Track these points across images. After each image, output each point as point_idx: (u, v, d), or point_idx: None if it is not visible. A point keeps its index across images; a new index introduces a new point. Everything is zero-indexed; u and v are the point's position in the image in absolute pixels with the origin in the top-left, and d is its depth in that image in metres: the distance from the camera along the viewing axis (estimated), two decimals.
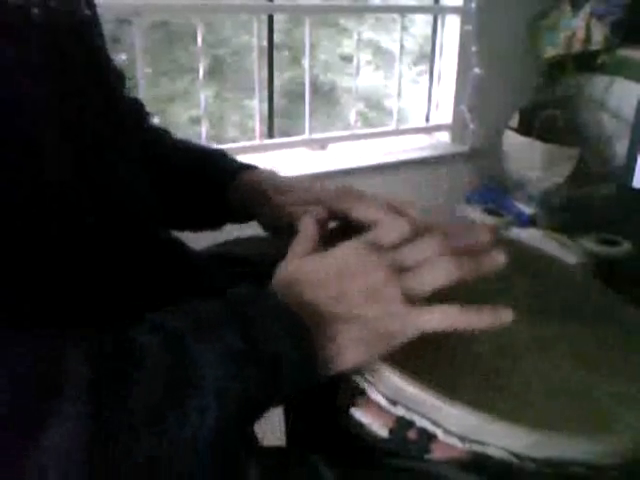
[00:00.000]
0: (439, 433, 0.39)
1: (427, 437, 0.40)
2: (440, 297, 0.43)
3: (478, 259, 0.42)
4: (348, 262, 0.42)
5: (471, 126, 2.08)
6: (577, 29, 2.00)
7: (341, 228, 0.54)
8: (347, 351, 0.39)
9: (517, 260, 0.61)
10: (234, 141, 2.00)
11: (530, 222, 1.98)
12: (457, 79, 2.06)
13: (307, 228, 0.47)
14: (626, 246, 1.79)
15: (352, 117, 1.97)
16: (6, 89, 0.38)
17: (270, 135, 1.88)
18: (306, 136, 1.88)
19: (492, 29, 1.99)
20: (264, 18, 1.76)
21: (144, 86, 1.55)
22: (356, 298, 0.40)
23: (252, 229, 0.73)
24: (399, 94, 2.05)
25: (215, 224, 0.68)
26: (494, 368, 0.42)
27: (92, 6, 0.51)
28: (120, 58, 1.79)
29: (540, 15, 2.09)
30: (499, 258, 0.43)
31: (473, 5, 1.97)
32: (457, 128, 2.13)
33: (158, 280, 0.51)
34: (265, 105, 1.83)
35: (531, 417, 0.38)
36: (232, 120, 2.91)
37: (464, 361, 0.43)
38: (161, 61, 2.68)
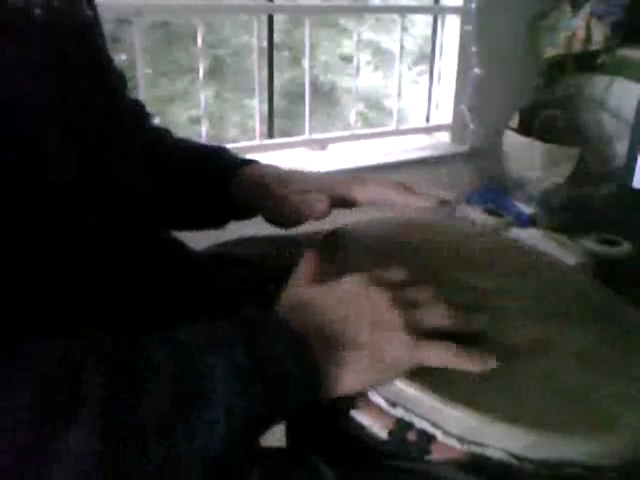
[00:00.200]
0: (438, 434, 0.39)
1: (426, 438, 0.40)
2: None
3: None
4: (353, 291, 0.43)
5: (471, 126, 2.08)
6: (577, 29, 2.00)
7: (331, 237, 0.56)
8: (349, 376, 0.40)
9: (517, 260, 0.61)
10: (234, 141, 2.00)
11: (530, 222, 1.98)
12: (457, 79, 2.06)
13: (309, 257, 0.48)
14: (626, 246, 1.79)
15: (352, 117, 1.97)
16: (8, 89, 0.38)
17: (270, 135, 1.88)
18: (306, 136, 1.88)
19: (492, 29, 1.99)
20: (264, 18, 1.76)
21: (144, 86, 1.55)
22: (360, 325, 0.41)
23: (252, 229, 0.73)
24: (399, 94, 2.05)
25: (218, 222, 0.68)
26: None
27: (93, 7, 0.51)
28: (120, 58, 1.79)
29: (540, 15, 2.09)
30: None
31: (473, 5, 1.97)
32: (457, 128, 2.13)
33: (158, 280, 0.51)
34: (265, 105, 1.83)
35: (530, 418, 0.39)
36: (232, 120, 2.91)
37: None
38: (161, 61, 2.69)
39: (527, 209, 2.01)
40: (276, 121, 1.90)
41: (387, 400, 0.41)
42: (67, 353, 0.34)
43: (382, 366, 0.40)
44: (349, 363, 0.40)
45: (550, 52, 2.07)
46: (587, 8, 1.98)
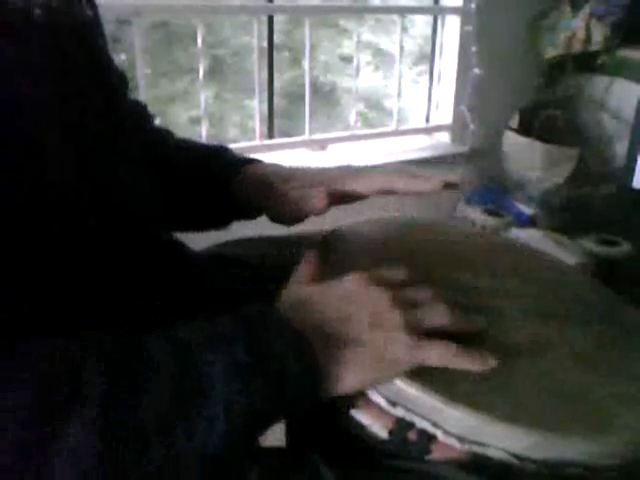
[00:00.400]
0: (439, 434, 0.39)
1: (427, 438, 0.40)
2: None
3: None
4: (353, 290, 0.43)
5: (471, 126, 2.08)
6: (577, 29, 2.00)
7: (327, 238, 0.57)
8: (349, 374, 0.40)
9: (517, 261, 0.61)
10: (234, 142, 1.99)
11: (530, 222, 1.97)
12: (457, 79, 2.06)
13: (309, 257, 0.48)
14: (626, 246, 1.79)
15: (352, 118, 1.97)
16: (7, 90, 0.38)
17: (270, 136, 1.88)
18: (306, 137, 1.88)
19: (492, 29, 1.99)
20: (264, 19, 1.76)
21: (144, 86, 1.55)
22: (360, 323, 0.41)
23: (253, 230, 0.73)
24: (399, 94, 2.05)
25: (221, 222, 0.68)
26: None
27: (94, 7, 0.51)
28: (120, 58, 1.79)
29: (540, 15, 2.09)
30: None
31: (473, 5, 1.97)
32: (457, 128, 2.13)
33: (159, 280, 0.52)
34: (265, 106, 1.83)
35: (531, 418, 0.39)
36: (232, 120, 2.91)
37: None
38: (161, 61, 2.69)
39: (527, 209, 2.00)
40: (276, 121, 1.90)
41: (387, 399, 0.41)
42: (67, 353, 0.34)
43: (382, 365, 0.40)
44: (349, 361, 0.40)
45: (550, 52, 2.07)
46: (587, 8, 1.98)
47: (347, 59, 2.91)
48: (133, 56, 1.53)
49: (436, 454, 0.41)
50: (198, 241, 0.68)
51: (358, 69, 1.94)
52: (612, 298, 0.56)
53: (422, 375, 0.40)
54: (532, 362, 0.44)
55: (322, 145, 1.95)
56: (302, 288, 0.45)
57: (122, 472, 0.33)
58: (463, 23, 2.00)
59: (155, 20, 2.52)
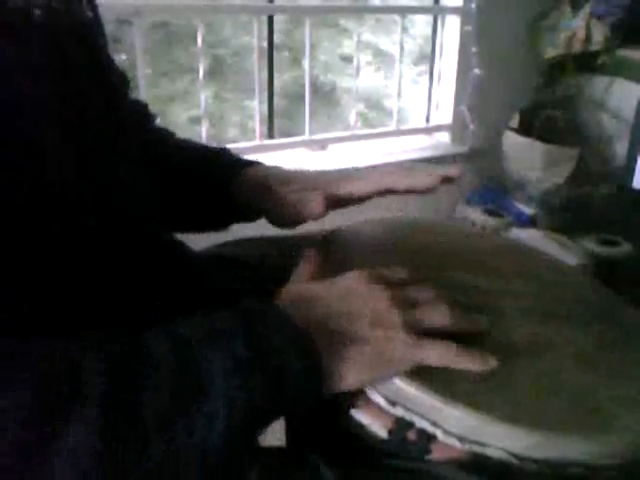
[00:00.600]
0: (439, 434, 0.39)
1: (427, 438, 0.40)
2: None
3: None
4: (354, 287, 0.43)
5: (471, 126, 2.08)
6: (577, 29, 2.00)
7: (326, 239, 0.57)
8: (350, 371, 0.40)
9: (517, 261, 0.61)
10: (234, 141, 1.99)
11: (530, 222, 1.98)
12: (457, 79, 2.06)
13: (309, 256, 0.48)
14: (626, 247, 1.79)
15: (352, 118, 1.97)
16: (7, 90, 0.38)
17: (270, 136, 1.88)
18: (306, 137, 1.88)
19: (492, 29, 1.99)
20: (264, 19, 1.76)
21: (144, 86, 1.55)
22: (361, 320, 0.41)
23: (252, 230, 0.73)
24: (399, 94, 2.05)
25: (220, 223, 0.68)
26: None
27: (94, 7, 0.51)
28: (120, 58, 1.79)
29: (540, 15, 2.09)
30: None
31: (473, 5, 1.97)
32: (457, 128, 2.13)
33: (158, 280, 0.52)
34: (265, 106, 1.83)
35: (531, 418, 0.39)
36: (232, 120, 2.91)
37: None
38: (161, 61, 2.68)
39: (527, 209, 2.00)
40: (276, 121, 1.90)
41: (387, 399, 0.41)
42: (67, 353, 0.34)
43: (382, 363, 0.40)
44: (352, 358, 0.40)
45: (550, 52, 2.07)
46: (587, 8, 1.98)
47: (347, 59, 2.91)
48: (133, 56, 1.53)
49: (436, 454, 0.41)
50: (198, 241, 0.68)
51: (358, 69, 1.94)
52: (612, 298, 0.56)
53: (422, 374, 0.40)
54: (532, 362, 0.44)
55: (322, 145, 1.95)
56: (302, 285, 0.45)
57: (122, 472, 0.33)
58: (463, 23, 2.00)
59: (155, 20, 2.52)
